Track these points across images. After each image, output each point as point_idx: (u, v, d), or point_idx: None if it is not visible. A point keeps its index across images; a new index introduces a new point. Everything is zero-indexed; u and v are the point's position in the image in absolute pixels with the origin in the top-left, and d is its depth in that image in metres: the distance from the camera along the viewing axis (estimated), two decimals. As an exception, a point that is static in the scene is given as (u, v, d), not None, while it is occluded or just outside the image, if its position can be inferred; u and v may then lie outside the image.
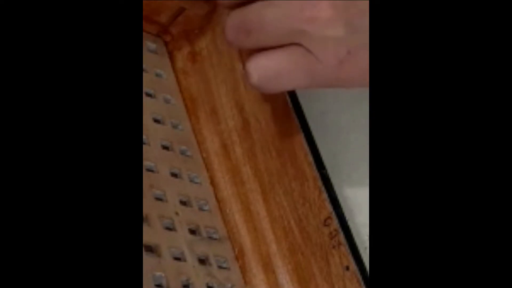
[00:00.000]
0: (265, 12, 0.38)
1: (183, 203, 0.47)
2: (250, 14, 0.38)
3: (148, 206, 0.45)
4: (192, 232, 0.46)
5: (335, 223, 0.44)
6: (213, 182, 0.50)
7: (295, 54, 0.38)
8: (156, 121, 0.50)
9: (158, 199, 0.46)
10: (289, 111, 0.47)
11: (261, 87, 0.40)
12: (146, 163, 0.47)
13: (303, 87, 0.40)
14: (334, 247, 0.44)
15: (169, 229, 0.45)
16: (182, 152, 0.50)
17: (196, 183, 0.49)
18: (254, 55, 0.39)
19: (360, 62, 0.37)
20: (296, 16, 0.37)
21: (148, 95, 0.51)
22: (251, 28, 0.38)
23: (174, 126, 0.51)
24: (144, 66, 0.51)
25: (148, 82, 0.51)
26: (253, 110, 0.49)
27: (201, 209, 0.48)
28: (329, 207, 0.45)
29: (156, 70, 0.52)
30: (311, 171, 0.46)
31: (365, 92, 0.40)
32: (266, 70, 0.39)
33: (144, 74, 0.51)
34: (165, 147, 0.49)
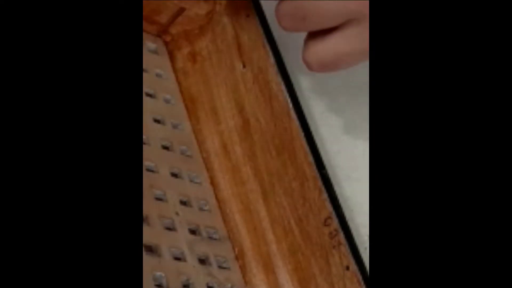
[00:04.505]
0: None
1: (183, 203, 0.47)
2: (303, 1, 0.40)
3: (148, 206, 0.44)
4: (192, 232, 0.46)
5: (335, 223, 0.44)
6: (213, 182, 0.50)
7: (351, 36, 0.40)
8: (156, 121, 0.50)
9: (158, 199, 0.46)
10: (289, 111, 0.47)
11: (320, 71, 0.42)
12: (146, 163, 0.47)
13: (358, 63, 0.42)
14: (334, 247, 0.44)
15: (169, 229, 0.45)
16: (182, 152, 0.50)
17: (196, 183, 0.49)
18: (310, 41, 0.41)
19: None
20: None
21: (148, 95, 0.51)
22: (306, 14, 0.40)
23: (174, 126, 0.51)
24: (144, 66, 0.51)
25: (148, 82, 0.51)
26: (253, 110, 0.49)
27: (201, 209, 0.48)
28: (329, 207, 0.45)
29: (156, 70, 0.52)
30: (311, 171, 0.46)
31: (365, 92, 0.40)
32: (324, 56, 0.41)
33: (144, 74, 0.51)
34: (165, 147, 0.49)
